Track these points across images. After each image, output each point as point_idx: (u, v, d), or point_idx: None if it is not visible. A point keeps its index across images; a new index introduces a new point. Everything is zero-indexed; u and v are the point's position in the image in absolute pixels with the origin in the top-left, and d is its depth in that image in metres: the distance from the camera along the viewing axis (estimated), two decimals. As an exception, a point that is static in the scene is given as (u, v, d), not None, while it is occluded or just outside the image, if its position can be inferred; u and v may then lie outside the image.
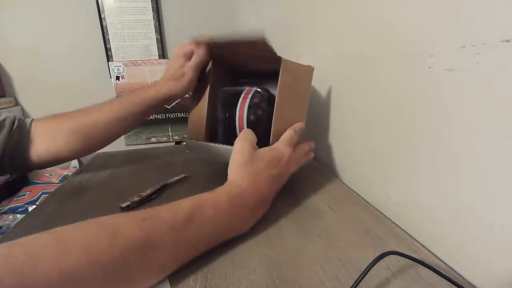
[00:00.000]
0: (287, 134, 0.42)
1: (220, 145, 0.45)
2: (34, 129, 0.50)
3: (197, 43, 0.51)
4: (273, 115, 0.42)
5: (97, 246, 0.24)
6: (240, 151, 0.38)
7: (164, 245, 0.27)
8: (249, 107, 0.46)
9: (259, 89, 0.47)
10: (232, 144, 0.42)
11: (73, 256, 0.22)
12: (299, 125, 0.45)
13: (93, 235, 0.24)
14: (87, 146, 0.53)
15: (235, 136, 0.47)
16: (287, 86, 0.43)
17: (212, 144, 0.47)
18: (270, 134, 0.43)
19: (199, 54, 0.51)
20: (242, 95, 0.48)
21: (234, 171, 0.37)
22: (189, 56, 0.52)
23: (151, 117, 0.99)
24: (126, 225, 0.26)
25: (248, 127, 0.46)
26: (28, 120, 0.51)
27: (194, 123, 0.54)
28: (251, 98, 0.47)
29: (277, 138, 0.42)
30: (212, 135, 0.53)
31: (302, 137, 0.46)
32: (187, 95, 0.56)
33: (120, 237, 0.25)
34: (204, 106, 0.53)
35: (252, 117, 0.46)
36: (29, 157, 0.49)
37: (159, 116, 0.95)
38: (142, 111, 0.53)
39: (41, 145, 0.50)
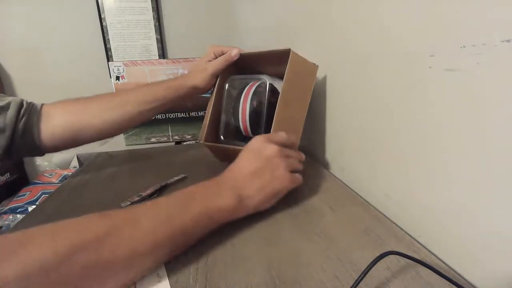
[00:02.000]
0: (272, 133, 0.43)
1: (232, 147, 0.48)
2: (46, 107, 0.51)
3: (233, 47, 0.55)
4: (278, 102, 0.43)
5: (89, 222, 0.27)
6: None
7: (152, 218, 0.29)
8: (254, 94, 0.48)
9: (265, 80, 0.49)
10: (234, 133, 0.46)
11: (65, 231, 0.25)
12: (292, 135, 0.43)
13: (86, 217, 0.27)
14: (107, 129, 0.53)
15: (237, 121, 0.50)
16: (293, 77, 0.45)
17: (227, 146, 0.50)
18: (270, 124, 0.44)
19: (231, 54, 0.54)
20: (249, 84, 0.50)
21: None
22: (218, 55, 0.56)
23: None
24: (114, 210, 0.29)
25: (250, 113, 0.48)
26: (38, 103, 0.51)
27: (206, 117, 0.56)
28: (257, 87, 0.49)
29: (280, 124, 0.44)
30: (216, 126, 0.55)
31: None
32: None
33: (109, 215, 0.28)
34: (211, 101, 0.55)
35: (254, 103, 0.48)
36: (40, 136, 0.49)
37: (159, 116, 0.95)
38: (166, 99, 0.56)
39: (55, 122, 0.49)
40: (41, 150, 0.50)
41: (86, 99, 0.53)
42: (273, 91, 0.49)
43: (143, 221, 0.28)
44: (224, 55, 0.55)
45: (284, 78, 0.44)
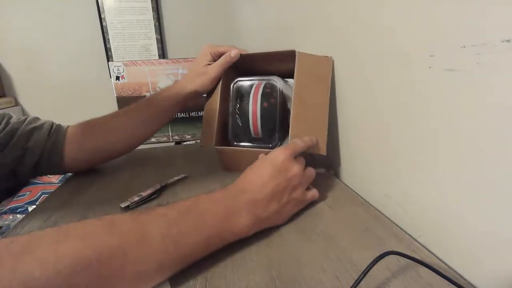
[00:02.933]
0: (291, 141, 0.41)
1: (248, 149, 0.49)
2: (70, 129, 0.54)
3: (232, 47, 0.54)
4: (292, 104, 0.43)
5: (94, 235, 0.25)
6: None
7: (160, 236, 0.27)
8: (262, 95, 0.48)
9: (269, 81, 0.50)
10: (240, 134, 0.47)
11: (69, 242, 0.24)
12: (308, 138, 0.43)
13: (92, 226, 0.27)
14: (119, 149, 0.58)
15: (247, 125, 0.50)
16: (303, 77, 0.44)
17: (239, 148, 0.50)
18: (282, 124, 0.45)
19: (231, 55, 0.52)
20: (255, 86, 0.50)
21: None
22: (216, 56, 0.55)
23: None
24: (121, 219, 0.28)
25: (262, 113, 0.48)
26: (64, 125, 0.55)
27: (207, 120, 0.56)
28: (263, 88, 0.49)
29: (297, 127, 0.43)
30: (224, 129, 0.55)
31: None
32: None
33: (116, 226, 0.27)
34: (216, 102, 0.54)
35: (265, 104, 0.48)
36: (64, 158, 0.52)
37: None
38: (168, 110, 0.57)
39: (75, 146, 0.53)
40: (64, 169, 0.54)
41: (103, 121, 0.56)
42: (278, 91, 0.49)
43: (152, 238, 0.26)
44: (224, 56, 0.53)
45: (294, 83, 0.43)
